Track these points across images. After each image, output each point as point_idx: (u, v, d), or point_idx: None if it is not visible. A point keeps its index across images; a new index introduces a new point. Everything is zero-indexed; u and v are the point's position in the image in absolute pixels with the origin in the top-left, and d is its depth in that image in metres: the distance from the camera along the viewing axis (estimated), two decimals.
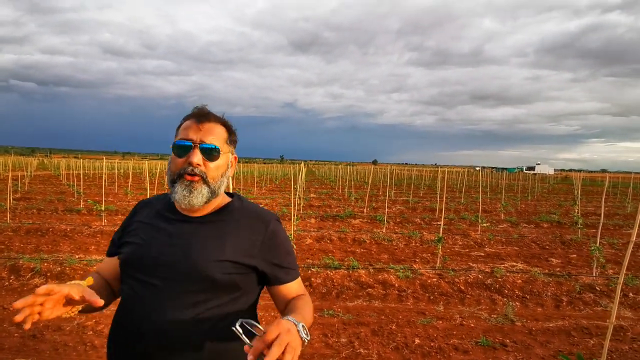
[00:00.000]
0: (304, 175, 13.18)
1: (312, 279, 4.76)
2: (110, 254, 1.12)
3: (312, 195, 16.29)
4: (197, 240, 0.99)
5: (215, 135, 1.03)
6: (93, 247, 6.44)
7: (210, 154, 1.00)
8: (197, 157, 0.98)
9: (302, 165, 12.27)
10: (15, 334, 3.24)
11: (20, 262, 5.00)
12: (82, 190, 12.20)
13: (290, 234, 5.45)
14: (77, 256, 5.68)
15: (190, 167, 0.98)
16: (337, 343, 3.32)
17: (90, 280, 0.95)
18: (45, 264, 4.95)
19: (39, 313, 0.80)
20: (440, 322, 3.83)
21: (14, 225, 7.61)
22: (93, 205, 9.35)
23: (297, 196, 8.83)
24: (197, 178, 0.98)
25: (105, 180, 10.98)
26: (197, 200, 0.98)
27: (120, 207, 10.66)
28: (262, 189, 18.59)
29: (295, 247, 5.59)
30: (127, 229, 1.09)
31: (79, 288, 0.85)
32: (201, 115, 1.04)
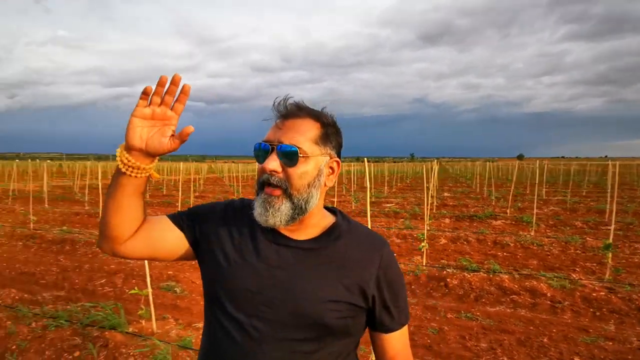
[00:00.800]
0: (436, 173, 12.67)
1: (448, 280, 4.62)
2: (175, 219, 0.89)
3: (445, 194, 15.49)
4: (306, 274, 0.80)
5: (300, 134, 0.79)
6: None
7: (290, 157, 0.77)
8: (272, 162, 0.77)
9: (435, 162, 11.83)
10: None
11: None
12: (240, 190, 14.49)
13: (423, 233, 5.40)
14: None
15: (266, 175, 0.78)
16: (476, 347, 3.18)
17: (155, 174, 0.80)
18: None
19: (152, 114, 0.73)
20: (610, 343, 3.25)
21: None
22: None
23: (429, 194, 8.59)
24: (277, 191, 0.78)
25: (252, 180, 12.86)
26: (276, 219, 0.78)
27: None
28: (393, 188, 18.60)
29: (428, 246, 5.50)
30: (212, 226, 0.88)
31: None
32: (284, 111, 0.82)
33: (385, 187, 17.55)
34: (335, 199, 11.73)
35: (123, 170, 0.74)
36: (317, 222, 0.85)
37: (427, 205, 8.40)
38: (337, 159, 0.85)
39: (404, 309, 0.88)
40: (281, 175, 0.78)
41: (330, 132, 0.83)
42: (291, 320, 0.77)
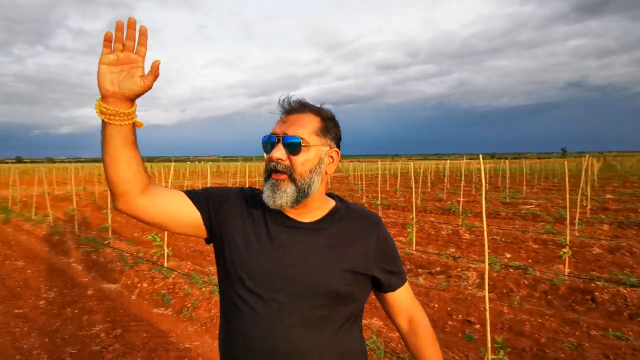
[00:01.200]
0: (595, 170, 10.62)
1: (596, 293, 3.99)
2: (192, 196, 0.96)
3: (608, 195, 12.84)
4: (315, 252, 0.91)
5: (302, 126, 0.90)
6: None
7: (294, 147, 0.88)
8: (278, 151, 0.89)
9: (588, 158, 10.00)
10: None
11: None
12: (364, 188, 14.97)
13: (565, 239, 4.75)
14: None
15: (273, 164, 0.90)
16: None
17: (141, 123, 0.85)
18: None
19: (117, 60, 0.78)
20: None
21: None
22: (372, 200, 11.41)
23: (580, 195, 7.38)
24: (283, 176, 0.89)
25: (380, 179, 13.08)
26: (282, 200, 0.89)
27: (391, 202, 12.39)
28: (534, 188, 16.34)
29: (572, 254, 4.80)
30: (228, 211, 0.96)
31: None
32: (288, 107, 0.94)
33: (524, 187, 15.56)
34: (461, 199, 11.06)
35: (105, 120, 0.78)
36: (320, 205, 0.97)
37: (578, 208, 7.24)
38: (337, 149, 0.97)
39: (402, 270, 1.05)
40: (286, 162, 0.89)
41: (330, 125, 0.95)
42: (305, 291, 0.88)
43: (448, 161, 22.33)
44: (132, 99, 0.80)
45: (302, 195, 0.89)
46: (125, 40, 0.77)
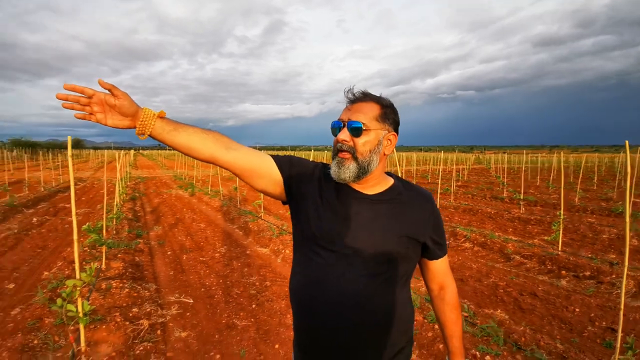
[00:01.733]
0: None
1: None
2: (277, 160, 1.12)
3: None
4: (378, 218, 1.07)
5: (363, 113, 1.05)
6: (510, 229, 7.31)
7: (356, 130, 1.03)
8: (343, 134, 1.05)
9: None
10: None
11: (457, 230, 6.76)
12: (505, 182, 13.57)
13: None
14: (497, 233, 6.76)
15: (339, 144, 1.05)
16: None
17: (162, 112, 1.00)
18: (474, 234, 6.38)
19: (91, 113, 0.93)
20: None
21: (455, 204, 10.05)
22: (513, 194, 10.33)
23: None
24: (347, 155, 1.05)
25: (525, 173, 11.63)
26: (346, 175, 1.05)
27: (539, 198, 10.94)
28: None
29: None
30: (307, 179, 1.13)
31: (116, 99, 0.93)
32: (352, 98, 1.09)
33: None
34: (632, 199, 8.95)
35: (145, 136, 0.98)
36: (380, 181, 1.13)
37: None
38: (395, 133, 1.10)
39: (445, 244, 1.20)
40: (350, 143, 1.05)
41: (388, 112, 1.08)
42: (370, 250, 1.04)
43: (628, 153, 17.98)
44: (131, 114, 0.97)
45: (362, 172, 1.05)
46: (81, 99, 0.93)
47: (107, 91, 0.94)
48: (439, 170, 22.83)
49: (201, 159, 1.05)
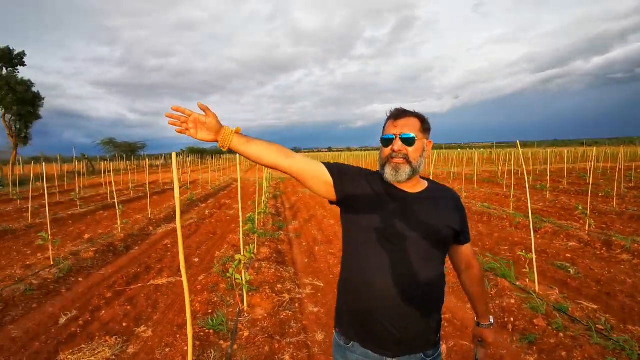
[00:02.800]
0: None
1: None
2: (327, 166, 1.32)
3: None
4: (425, 211, 1.29)
5: (411, 127, 1.29)
6: None
7: (409, 141, 1.27)
8: (398, 145, 1.28)
9: None
10: None
11: (613, 239, 5.78)
12: None
13: None
14: None
15: (394, 153, 1.28)
16: None
17: (238, 128, 1.25)
18: (636, 245, 5.37)
19: (187, 129, 1.20)
20: None
21: (618, 210, 8.37)
22: None
23: None
24: (402, 161, 1.27)
25: None
26: (402, 177, 1.27)
27: None
28: None
29: None
30: (356, 181, 1.33)
31: (207, 120, 1.20)
32: (397, 115, 1.32)
33: None
34: None
35: (226, 148, 1.24)
36: (418, 182, 1.38)
37: None
38: (430, 140, 1.37)
39: (469, 232, 1.45)
40: (405, 152, 1.28)
41: (426, 124, 1.34)
42: (421, 237, 1.26)
43: None
44: (216, 131, 1.23)
45: (413, 173, 1.30)
46: (182, 117, 1.23)
47: (202, 112, 1.21)
48: (603, 169, 19.00)
49: (266, 166, 1.29)
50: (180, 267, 1.77)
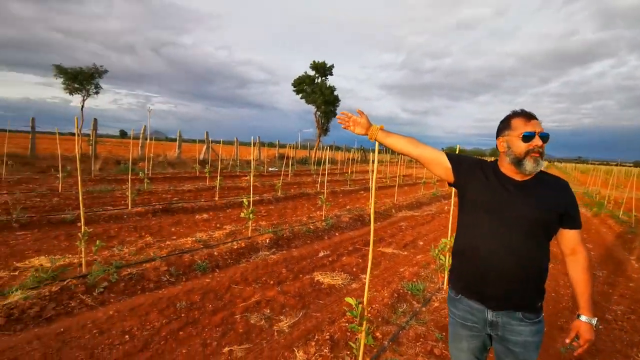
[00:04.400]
0: None
1: None
2: (448, 155, 1.69)
3: None
4: (530, 196, 1.49)
5: (541, 127, 1.52)
6: None
7: (547, 138, 1.51)
8: (538, 141, 1.49)
9: None
10: None
11: None
12: None
13: None
14: None
15: (536, 147, 1.48)
16: None
17: (382, 126, 1.75)
18: None
19: (348, 126, 1.81)
20: None
21: None
22: None
23: None
24: (538, 154, 1.49)
25: None
26: (539, 168, 1.50)
27: None
28: None
29: None
30: (472, 168, 1.63)
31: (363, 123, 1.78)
32: (529, 116, 1.53)
33: None
34: None
35: (373, 140, 1.79)
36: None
37: None
38: None
39: (579, 220, 1.56)
40: (542, 147, 1.51)
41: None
42: (526, 217, 1.46)
43: None
44: (367, 127, 1.78)
45: (542, 164, 1.53)
46: (346, 117, 1.85)
47: (357, 114, 1.81)
48: None
49: (400, 152, 1.76)
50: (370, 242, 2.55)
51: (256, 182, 12.91)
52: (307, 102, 34.12)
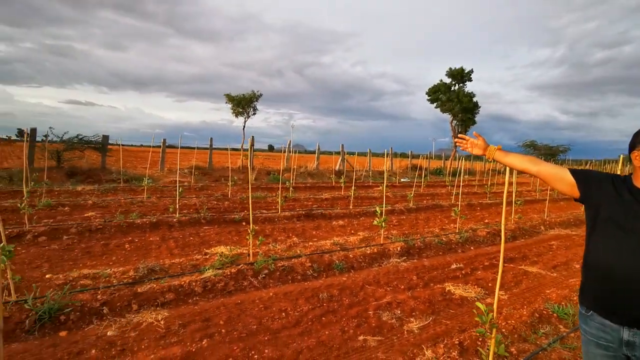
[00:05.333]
0: None
1: None
2: (572, 171, 1.64)
3: None
4: None
5: None
6: None
7: None
8: None
9: None
10: None
11: None
12: None
13: None
14: None
15: None
16: None
17: (499, 146, 1.88)
18: None
19: (466, 147, 1.97)
20: None
21: None
22: None
23: None
24: None
25: None
26: None
27: None
28: None
29: None
30: (603, 188, 1.55)
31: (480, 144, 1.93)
32: None
33: None
34: None
35: (491, 160, 1.94)
36: None
37: None
38: None
39: None
40: None
41: None
42: None
43: None
44: (484, 148, 1.91)
45: None
46: (464, 140, 2.01)
47: (475, 137, 1.95)
48: None
49: (518, 170, 1.82)
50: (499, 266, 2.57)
51: (388, 192, 13.21)
52: (442, 110, 32.76)
